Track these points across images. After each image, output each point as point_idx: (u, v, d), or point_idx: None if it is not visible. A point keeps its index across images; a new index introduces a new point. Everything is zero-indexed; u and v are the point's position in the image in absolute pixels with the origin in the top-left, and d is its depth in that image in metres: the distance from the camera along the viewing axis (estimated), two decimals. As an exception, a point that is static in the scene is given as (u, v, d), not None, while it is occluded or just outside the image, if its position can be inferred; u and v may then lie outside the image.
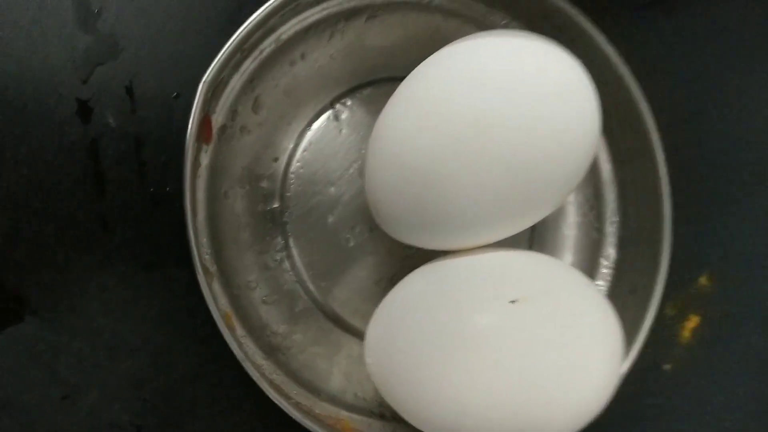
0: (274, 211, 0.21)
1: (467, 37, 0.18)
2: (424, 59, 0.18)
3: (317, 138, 0.21)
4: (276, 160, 0.20)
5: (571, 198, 0.23)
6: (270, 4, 0.17)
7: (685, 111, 0.23)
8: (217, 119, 0.18)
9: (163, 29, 0.19)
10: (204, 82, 0.16)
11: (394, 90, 0.18)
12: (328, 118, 0.21)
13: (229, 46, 0.17)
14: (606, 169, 0.23)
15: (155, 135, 0.19)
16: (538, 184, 0.17)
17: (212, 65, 0.16)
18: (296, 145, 0.21)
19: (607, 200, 0.22)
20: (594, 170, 0.23)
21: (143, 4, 0.19)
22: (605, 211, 0.23)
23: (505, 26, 0.21)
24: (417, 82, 0.18)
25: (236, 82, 0.18)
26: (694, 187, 0.23)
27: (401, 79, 0.18)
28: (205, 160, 0.18)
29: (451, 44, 0.18)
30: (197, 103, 0.16)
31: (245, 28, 0.17)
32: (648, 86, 0.21)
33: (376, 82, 0.21)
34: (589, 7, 0.20)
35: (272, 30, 0.18)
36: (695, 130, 0.23)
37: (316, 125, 0.21)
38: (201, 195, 0.18)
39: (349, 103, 0.21)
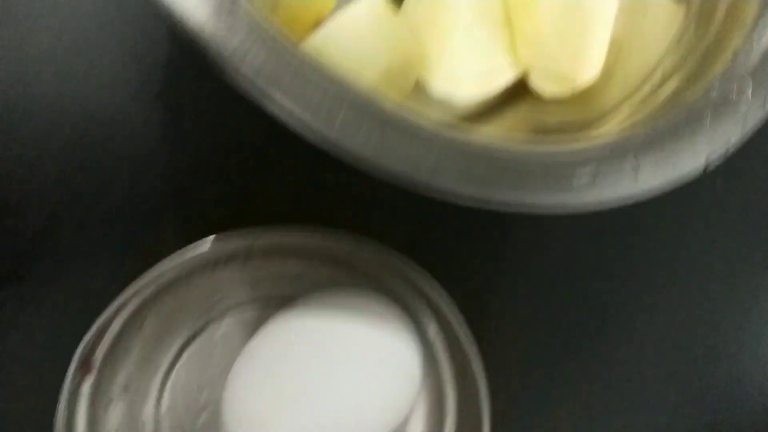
0: (150, 415, 0.24)
1: (317, 295, 0.22)
2: (295, 291, 0.22)
3: (196, 351, 0.25)
4: (155, 374, 0.24)
5: (418, 406, 0.27)
6: (160, 268, 0.21)
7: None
8: (98, 356, 0.21)
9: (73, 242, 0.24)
10: (82, 343, 0.20)
11: (269, 313, 0.22)
12: (207, 334, 0.25)
13: (107, 312, 0.20)
14: (448, 380, 0.27)
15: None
16: (368, 419, 0.22)
17: (89, 333, 0.20)
18: (176, 358, 0.24)
19: (448, 411, 0.26)
20: (438, 382, 0.26)
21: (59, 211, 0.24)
22: (445, 418, 0.26)
23: (363, 269, 0.25)
24: (268, 335, 0.22)
25: (118, 322, 0.22)
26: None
27: (278, 302, 0.22)
28: (86, 386, 0.22)
29: (301, 302, 0.22)
30: (77, 357, 0.20)
31: (120, 299, 0.21)
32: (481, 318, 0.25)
33: (253, 305, 0.25)
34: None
35: (157, 277, 0.22)
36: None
37: (196, 341, 0.25)
38: (82, 410, 0.22)
39: (226, 321, 0.25)
